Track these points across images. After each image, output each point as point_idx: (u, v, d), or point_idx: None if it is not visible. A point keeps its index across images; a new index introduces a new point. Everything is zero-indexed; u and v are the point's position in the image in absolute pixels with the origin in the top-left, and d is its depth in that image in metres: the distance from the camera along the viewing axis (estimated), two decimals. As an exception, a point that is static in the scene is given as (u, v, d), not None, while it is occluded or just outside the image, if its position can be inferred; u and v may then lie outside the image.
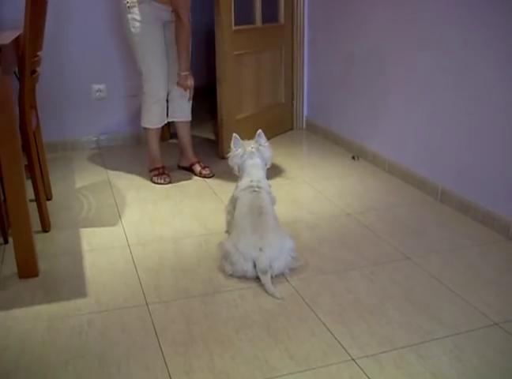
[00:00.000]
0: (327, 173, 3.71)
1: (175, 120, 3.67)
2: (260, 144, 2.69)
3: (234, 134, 2.70)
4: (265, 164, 2.72)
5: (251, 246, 2.33)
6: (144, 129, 3.64)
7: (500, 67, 2.69)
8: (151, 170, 3.63)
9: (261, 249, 2.31)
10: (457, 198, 3.04)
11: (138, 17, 3.32)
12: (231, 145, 2.70)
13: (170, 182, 3.54)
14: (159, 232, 2.87)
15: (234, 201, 2.62)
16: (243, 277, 2.36)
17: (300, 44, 4.54)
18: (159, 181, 3.55)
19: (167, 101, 3.60)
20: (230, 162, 2.72)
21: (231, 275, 2.38)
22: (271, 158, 2.75)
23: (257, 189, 2.56)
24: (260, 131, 2.71)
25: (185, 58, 3.37)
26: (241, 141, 2.68)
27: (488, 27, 2.73)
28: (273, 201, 2.65)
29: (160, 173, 3.59)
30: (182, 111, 3.64)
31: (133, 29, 3.35)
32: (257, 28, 4.20)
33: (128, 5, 3.32)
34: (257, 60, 4.24)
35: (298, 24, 4.48)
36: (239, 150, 2.66)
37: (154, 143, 3.64)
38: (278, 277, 2.35)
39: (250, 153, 2.66)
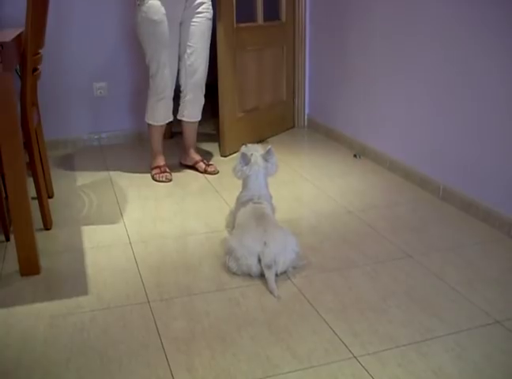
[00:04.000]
0: (329, 171, 3.71)
1: (183, 119, 3.67)
2: (268, 162, 2.66)
3: (242, 151, 2.64)
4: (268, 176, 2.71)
5: (256, 240, 2.33)
6: (148, 125, 3.63)
7: (502, 66, 2.69)
8: (153, 168, 3.63)
9: (265, 244, 2.31)
10: (459, 196, 3.04)
11: (148, 15, 3.28)
12: (238, 160, 2.65)
13: (171, 180, 3.54)
14: (160, 230, 2.87)
15: (234, 213, 2.65)
16: (248, 273, 2.36)
17: (302, 42, 4.54)
18: (160, 179, 3.54)
19: (180, 98, 3.60)
20: (234, 173, 2.68)
21: (235, 272, 2.38)
22: (275, 172, 2.73)
23: (257, 201, 2.59)
24: (270, 147, 2.66)
25: None
26: (248, 155, 2.62)
27: (492, 26, 2.73)
28: (273, 210, 2.67)
29: (161, 171, 3.58)
30: (192, 111, 3.63)
31: (142, 27, 3.34)
32: (259, 25, 4.20)
33: (138, 2, 3.30)
34: (258, 58, 4.24)
35: (299, 21, 4.48)
36: (245, 168, 2.63)
37: (157, 140, 3.63)
38: (280, 275, 2.35)
39: (256, 172, 2.63)
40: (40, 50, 2.90)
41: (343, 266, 2.48)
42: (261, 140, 4.15)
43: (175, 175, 3.60)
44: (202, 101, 3.64)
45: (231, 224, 2.69)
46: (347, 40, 4.03)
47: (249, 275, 2.36)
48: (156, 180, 3.56)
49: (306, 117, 4.74)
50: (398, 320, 2.07)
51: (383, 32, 3.59)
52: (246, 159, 2.63)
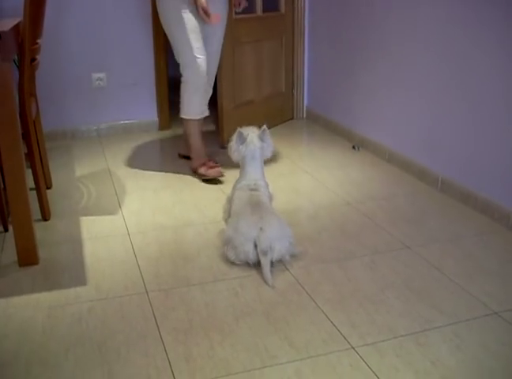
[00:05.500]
0: (327, 162, 3.71)
1: None
2: (264, 142, 2.66)
3: (238, 130, 2.64)
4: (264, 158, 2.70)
5: (252, 226, 2.33)
6: (185, 121, 3.44)
7: (499, 58, 2.68)
8: (200, 166, 3.38)
9: (261, 229, 2.31)
10: (457, 188, 3.04)
11: (175, 3, 3.15)
12: (234, 139, 2.65)
13: (223, 175, 3.32)
14: (159, 221, 2.87)
15: (231, 200, 2.65)
16: (245, 261, 2.36)
17: (301, 33, 4.52)
18: (214, 174, 3.31)
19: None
20: (230, 153, 2.69)
21: (234, 261, 2.38)
22: (272, 153, 2.72)
23: (254, 187, 2.59)
24: (265, 127, 2.67)
25: None
26: (244, 135, 2.63)
27: (487, 18, 2.72)
28: (270, 198, 2.67)
29: (211, 166, 3.36)
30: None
31: (168, 16, 3.21)
32: (258, 17, 4.18)
33: None
34: (257, 49, 4.22)
35: (298, 13, 4.46)
36: (241, 147, 2.63)
37: (197, 136, 3.43)
38: (278, 266, 2.36)
39: (252, 151, 2.63)
40: (38, 40, 2.89)
41: (341, 257, 2.48)
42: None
43: (173, 166, 3.59)
44: (210, 92, 3.49)
45: (228, 212, 2.69)
46: (346, 31, 4.02)
47: (247, 264, 2.36)
48: (206, 179, 3.34)
49: (304, 108, 4.73)
50: (396, 311, 2.07)
51: (382, 24, 3.58)
52: (242, 138, 2.63)
